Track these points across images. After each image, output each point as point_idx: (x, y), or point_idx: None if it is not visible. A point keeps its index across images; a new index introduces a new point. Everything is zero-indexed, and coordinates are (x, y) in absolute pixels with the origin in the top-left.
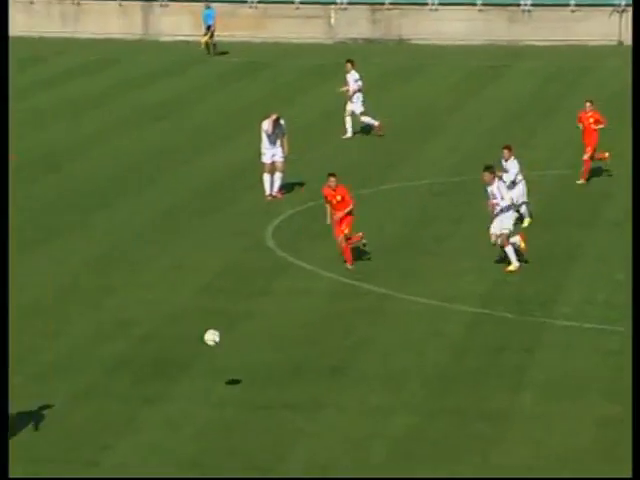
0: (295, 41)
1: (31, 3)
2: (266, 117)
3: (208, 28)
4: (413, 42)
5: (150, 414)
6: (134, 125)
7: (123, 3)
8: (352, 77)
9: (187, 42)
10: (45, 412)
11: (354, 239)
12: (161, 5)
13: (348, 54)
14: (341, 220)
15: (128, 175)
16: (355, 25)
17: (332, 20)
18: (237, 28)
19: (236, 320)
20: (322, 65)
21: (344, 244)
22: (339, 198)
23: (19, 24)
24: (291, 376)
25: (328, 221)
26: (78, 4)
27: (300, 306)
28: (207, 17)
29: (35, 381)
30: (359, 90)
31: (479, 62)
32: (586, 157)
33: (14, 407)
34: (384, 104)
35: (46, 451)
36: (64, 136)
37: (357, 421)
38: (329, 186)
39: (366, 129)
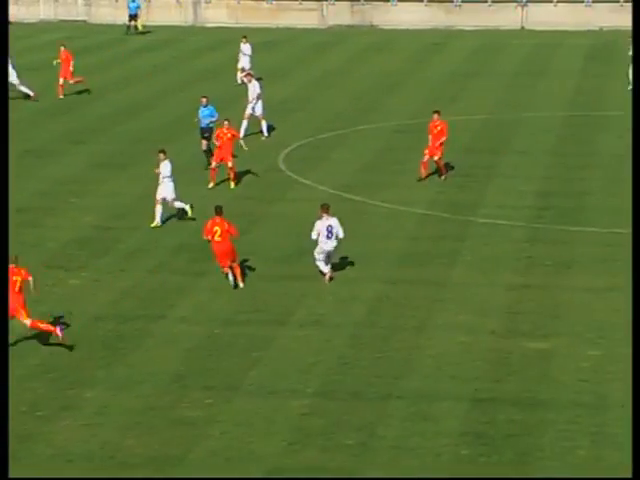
0: (299, 27)
1: None
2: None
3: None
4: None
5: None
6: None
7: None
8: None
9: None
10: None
11: None
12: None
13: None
14: None
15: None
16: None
17: (324, 11)
18: (259, 17)
19: (260, 219)
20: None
21: None
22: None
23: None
24: (297, 256)
25: None
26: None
27: (302, 209)
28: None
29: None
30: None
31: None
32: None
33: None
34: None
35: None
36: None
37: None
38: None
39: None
